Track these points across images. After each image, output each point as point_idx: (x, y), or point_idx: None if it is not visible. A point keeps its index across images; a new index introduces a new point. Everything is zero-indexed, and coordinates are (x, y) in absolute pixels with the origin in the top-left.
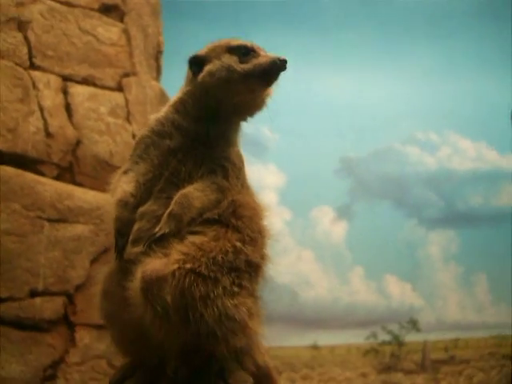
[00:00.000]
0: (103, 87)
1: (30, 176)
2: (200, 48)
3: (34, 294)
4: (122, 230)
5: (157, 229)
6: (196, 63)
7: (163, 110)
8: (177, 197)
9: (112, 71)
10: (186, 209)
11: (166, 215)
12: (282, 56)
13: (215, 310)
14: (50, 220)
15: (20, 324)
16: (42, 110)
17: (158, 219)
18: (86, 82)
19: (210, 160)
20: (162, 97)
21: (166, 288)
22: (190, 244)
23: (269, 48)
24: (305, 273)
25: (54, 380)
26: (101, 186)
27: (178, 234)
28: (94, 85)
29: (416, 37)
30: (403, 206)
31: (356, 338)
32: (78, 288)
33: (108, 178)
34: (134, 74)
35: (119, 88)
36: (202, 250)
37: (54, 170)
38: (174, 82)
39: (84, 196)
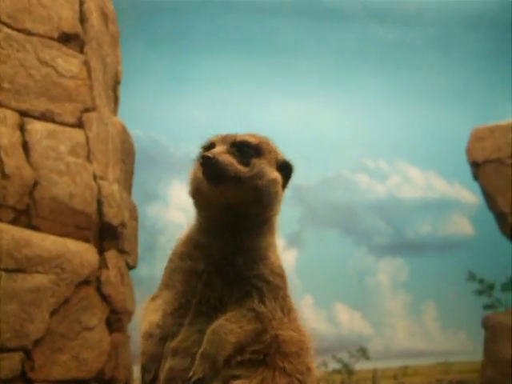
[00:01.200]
0: (63, 123)
1: None
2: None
3: None
4: (148, 366)
5: (191, 372)
6: None
7: (187, 228)
8: (208, 333)
9: (72, 106)
10: (220, 347)
11: (198, 356)
12: (206, 153)
13: None
14: (6, 270)
15: None
16: None
17: (192, 357)
18: (44, 117)
19: (241, 281)
20: (124, 134)
21: None
22: None
23: (217, 74)
24: None
25: None
26: (59, 229)
27: (215, 376)
28: (53, 121)
29: (367, 67)
30: (353, 233)
31: None
32: (37, 342)
33: (67, 221)
34: (95, 108)
35: (79, 124)
36: None
37: (9, 214)
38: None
39: (43, 243)
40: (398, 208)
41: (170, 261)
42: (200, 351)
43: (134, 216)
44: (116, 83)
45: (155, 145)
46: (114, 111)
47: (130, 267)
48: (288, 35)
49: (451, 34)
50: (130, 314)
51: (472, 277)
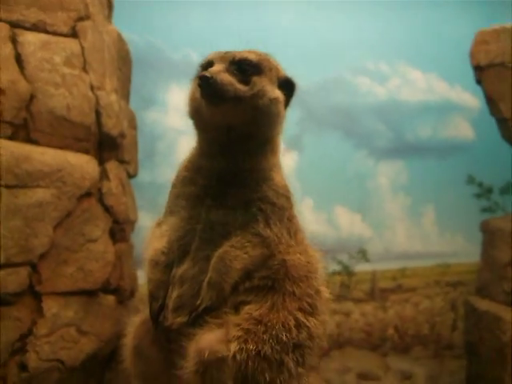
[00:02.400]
0: (56, 34)
1: None
2: None
3: None
4: (155, 293)
5: (198, 301)
6: None
7: (189, 152)
8: (213, 260)
9: (65, 15)
10: (225, 274)
11: (205, 284)
12: (204, 72)
13: None
14: (8, 186)
15: None
16: None
17: (200, 285)
18: (36, 28)
19: (245, 204)
20: (120, 42)
21: (227, 371)
22: (247, 316)
23: None
24: None
25: (24, 354)
26: (58, 142)
27: (223, 303)
28: (46, 31)
29: None
30: (353, 136)
31: None
32: (42, 256)
33: (65, 134)
34: (88, 17)
35: (73, 34)
36: (262, 325)
37: (7, 129)
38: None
39: (43, 157)
40: (399, 110)
41: (174, 186)
42: (206, 279)
43: (132, 125)
44: None
45: (152, 49)
46: (109, 17)
47: (131, 176)
48: None
49: None
50: (132, 223)
51: (471, 180)
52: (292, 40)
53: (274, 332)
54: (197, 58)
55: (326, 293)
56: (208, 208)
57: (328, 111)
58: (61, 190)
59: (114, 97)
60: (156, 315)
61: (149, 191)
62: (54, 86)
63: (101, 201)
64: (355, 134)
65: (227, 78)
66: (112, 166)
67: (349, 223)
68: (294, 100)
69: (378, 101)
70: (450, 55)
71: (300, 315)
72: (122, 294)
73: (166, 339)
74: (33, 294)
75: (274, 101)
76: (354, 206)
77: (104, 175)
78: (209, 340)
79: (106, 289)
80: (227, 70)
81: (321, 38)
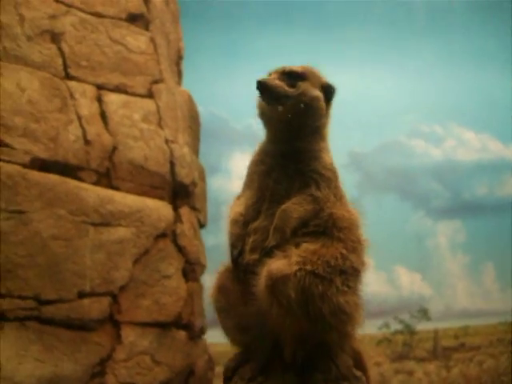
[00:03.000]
0: (135, 94)
1: (73, 182)
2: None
3: (81, 295)
4: (235, 244)
5: (267, 242)
6: None
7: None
8: (277, 213)
9: (142, 79)
10: (286, 221)
11: (271, 230)
12: (259, 77)
13: (331, 305)
14: (94, 224)
15: (70, 324)
16: (79, 118)
17: (269, 232)
18: (118, 90)
19: (301, 175)
20: (190, 102)
21: (290, 285)
22: (304, 249)
23: (272, 48)
24: None
25: (103, 376)
26: (137, 189)
27: (285, 243)
28: (126, 92)
29: (418, 32)
30: (410, 197)
31: (369, 328)
32: (122, 288)
33: (143, 181)
34: (162, 80)
35: (150, 95)
36: (316, 255)
37: (92, 176)
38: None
39: (124, 200)
40: (454, 171)
41: (249, 168)
42: (272, 226)
43: (202, 177)
44: (179, 58)
45: (215, 119)
46: (179, 84)
47: (201, 225)
48: (338, 8)
49: None
50: (202, 266)
51: None
52: (348, 108)
53: (325, 259)
54: (257, 127)
55: (365, 241)
56: (274, 180)
57: (385, 174)
58: (140, 229)
59: (186, 149)
60: (236, 259)
61: (214, 254)
62: (134, 139)
63: (175, 241)
64: (412, 195)
65: (278, 83)
66: (185, 212)
67: (409, 282)
68: (353, 164)
69: (434, 162)
70: (503, 115)
71: (344, 251)
72: (193, 330)
73: (243, 274)
74: (112, 322)
75: (315, 98)
76: (413, 266)
77: (178, 219)
78: (276, 264)
79: (178, 323)
80: (279, 78)
81: (375, 104)
